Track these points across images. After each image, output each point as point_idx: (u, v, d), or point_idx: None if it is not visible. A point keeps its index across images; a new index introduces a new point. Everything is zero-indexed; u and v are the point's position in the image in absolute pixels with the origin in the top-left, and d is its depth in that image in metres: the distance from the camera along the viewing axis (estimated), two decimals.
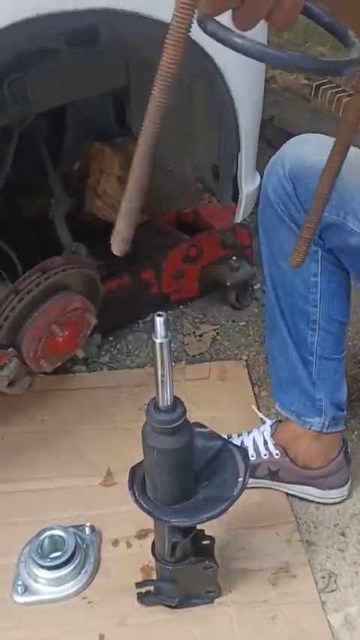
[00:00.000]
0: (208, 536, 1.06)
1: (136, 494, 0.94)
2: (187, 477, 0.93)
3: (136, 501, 0.94)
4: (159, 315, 0.80)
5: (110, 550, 1.18)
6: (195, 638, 1.06)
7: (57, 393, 1.48)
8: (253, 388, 1.52)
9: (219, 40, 0.52)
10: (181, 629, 1.06)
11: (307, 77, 2.47)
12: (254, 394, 1.50)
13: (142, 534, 1.20)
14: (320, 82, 2.31)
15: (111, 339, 1.63)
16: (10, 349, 1.24)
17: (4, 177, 1.38)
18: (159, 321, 0.80)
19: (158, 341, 0.81)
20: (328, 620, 1.09)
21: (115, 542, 1.19)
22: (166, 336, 0.81)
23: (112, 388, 1.48)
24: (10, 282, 1.27)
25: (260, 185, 1.16)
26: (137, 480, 0.96)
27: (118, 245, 0.60)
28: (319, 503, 1.28)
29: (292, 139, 1.11)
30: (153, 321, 0.81)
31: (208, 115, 1.38)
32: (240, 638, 1.02)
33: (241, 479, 0.88)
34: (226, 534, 1.19)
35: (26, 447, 1.35)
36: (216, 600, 1.09)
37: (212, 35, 0.52)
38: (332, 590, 1.14)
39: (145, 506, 0.93)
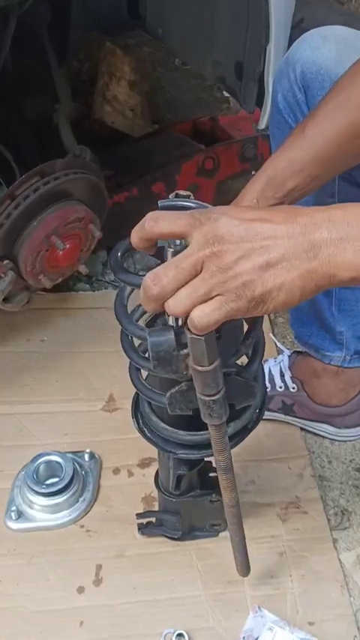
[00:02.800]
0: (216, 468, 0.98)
1: (140, 422, 0.85)
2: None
3: (140, 430, 0.86)
4: (170, 247, 0.67)
5: (111, 478, 1.11)
6: (198, 572, 1.00)
7: (58, 312, 1.38)
8: (269, 315, 1.41)
9: None
10: (184, 562, 1.01)
11: None
12: (270, 320, 1.40)
13: (144, 463, 1.13)
14: None
15: (112, 249, 1.51)
16: (6, 261, 1.13)
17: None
18: (170, 252, 0.67)
19: (172, 249, 0.69)
20: (339, 559, 1.03)
21: (116, 470, 1.12)
22: (180, 244, 0.69)
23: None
24: (6, 187, 1.15)
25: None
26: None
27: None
28: (333, 440, 1.20)
29: (307, 34, 0.94)
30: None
31: (234, 1, 1.20)
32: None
33: (255, 401, 0.78)
34: (235, 466, 1.09)
35: (24, 369, 1.27)
36: (221, 534, 1.03)
37: None
38: (345, 528, 1.08)
39: (149, 435, 0.84)
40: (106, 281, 1.47)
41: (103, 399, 1.23)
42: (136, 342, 0.78)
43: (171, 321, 0.76)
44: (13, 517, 1.02)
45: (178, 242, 0.63)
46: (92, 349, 1.31)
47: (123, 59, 1.80)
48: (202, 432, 0.78)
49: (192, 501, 0.97)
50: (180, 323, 0.67)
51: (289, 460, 1.15)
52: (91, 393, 1.24)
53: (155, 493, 1.02)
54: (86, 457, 1.11)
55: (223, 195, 1.59)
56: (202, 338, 0.62)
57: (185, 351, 0.66)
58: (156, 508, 1.05)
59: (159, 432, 0.82)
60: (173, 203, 0.69)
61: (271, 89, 1.25)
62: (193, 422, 0.77)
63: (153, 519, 1.02)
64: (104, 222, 1.29)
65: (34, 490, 1.03)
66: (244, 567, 0.93)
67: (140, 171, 1.52)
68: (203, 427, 0.77)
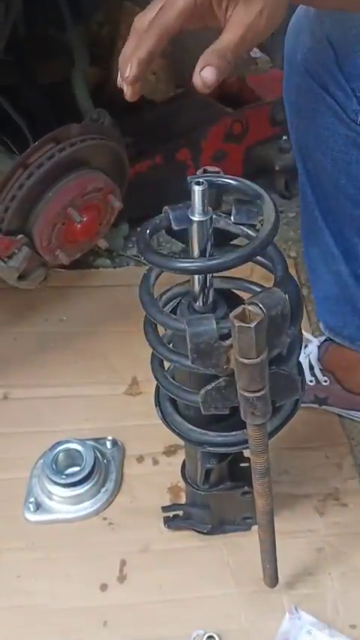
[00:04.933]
0: (248, 457, 0.90)
1: (164, 411, 0.78)
2: None
3: (164, 420, 0.78)
4: (198, 184, 0.59)
5: (134, 467, 1.04)
6: (229, 569, 0.93)
7: (77, 290, 1.30)
8: (301, 290, 1.31)
9: None
10: (213, 557, 0.94)
11: None
12: (303, 297, 1.30)
13: (170, 450, 1.06)
14: None
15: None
16: (20, 236, 1.05)
17: (9, 27, 1.13)
18: (198, 191, 0.59)
19: (196, 219, 0.61)
20: None
21: (140, 459, 1.05)
22: (206, 213, 0.61)
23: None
24: (18, 155, 1.06)
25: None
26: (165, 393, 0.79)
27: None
28: None
29: None
30: (190, 192, 0.61)
31: None
32: (281, 571, 0.89)
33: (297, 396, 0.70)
34: None
35: (42, 350, 1.20)
36: (253, 528, 0.96)
37: None
38: None
39: (173, 426, 0.77)
40: (127, 256, 1.39)
41: (126, 382, 1.16)
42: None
43: (199, 305, 0.68)
44: (32, 509, 0.96)
45: None
46: (114, 329, 1.23)
47: None
48: (235, 433, 0.71)
49: (222, 494, 0.90)
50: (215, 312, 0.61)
51: (327, 448, 1.07)
52: (113, 375, 1.17)
53: (182, 482, 0.94)
54: (108, 444, 1.04)
55: (253, 161, 1.49)
56: (252, 326, 0.55)
57: (228, 342, 0.59)
58: (183, 499, 0.98)
59: (184, 434, 0.74)
60: (208, 179, 0.61)
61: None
62: (223, 420, 0.69)
63: (180, 512, 0.95)
64: (125, 192, 1.20)
65: (53, 480, 0.96)
66: (273, 578, 0.86)
67: (163, 138, 1.43)
68: (235, 426, 0.70)
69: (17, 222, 1.04)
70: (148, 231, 0.65)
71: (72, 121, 1.10)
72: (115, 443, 1.05)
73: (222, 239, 0.70)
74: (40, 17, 1.34)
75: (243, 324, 0.56)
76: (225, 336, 0.61)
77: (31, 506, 0.96)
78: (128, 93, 0.65)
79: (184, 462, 0.90)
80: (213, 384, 0.64)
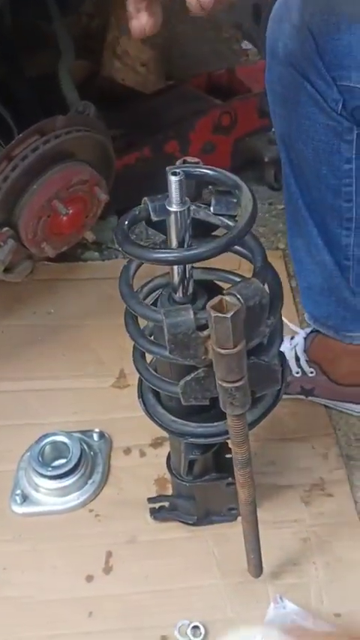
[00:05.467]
0: None
1: (147, 403, 0.78)
2: None
3: (146, 412, 0.78)
4: (174, 174, 0.59)
5: (121, 459, 1.04)
6: (215, 560, 0.93)
7: (65, 283, 1.30)
8: (290, 282, 1.32)
9: None
10: (199, 548, 0.94)
11: None
12: (291, 288, 1.30)
13: (157, 442, 1.06)
14: None
15: (118, 220, 1.43)
16: (5, 229, 1.05)
17: None
18: (174, 181, 0.59)
19: (174, 209, 0.61)
20: None
21: (127, 451, 1.06)
22: (183, 203, 0.61)
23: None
24: (3, 147, 1.06)
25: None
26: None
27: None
28: None
29: None
30: (167, 182, 0.60)
31: None
32: (266, 561, 0.89)
33: (278, 387, 0.71)
34: (254, 446, 1.02)
35: (29, 343, 1.20)
36: (239, 518, 0.96)
37: None
38: None
39: (155, 417, 0.77)
40: (116, 249, 1.39)
41: (114, 375, 1.16)
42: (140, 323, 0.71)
43: (178, 296, 0.68)
44: (18, 501, 0.96)
45: None
46: (102, 322, 1.23)
47: None
48: (216, 424, 0.71)
49: (207, 485, 0.90)
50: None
51: (313, 439, 1.07)
52: (100, 368, 1.17)
53: (169, 474, 0.95)
54: (95, 437, 1.04)
55: (242, 152, 1.48)
56: (228, 316, 0.55)
57: (205, 332, 0.59)
58: (170, 491, 0.98)
59: (166, 425, 0.74)
60: (185, 169, 0.61)
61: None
62: (205, 411, 0.69)
63: (166, 504, 0.96)
64: (113, 184, 1.20)
65: (39, 473, 0.97)
66: (258, 568, 0.86)
67: (152, 130, 1.42)
68: (217, 417, 0.70)
69: (2, 215, 1.04)
70: (126, 223, 0.64)
71: (60, 114, 1.09)
72: (102, 435, 1.05)
73: (203, 230, 0.70)
74: (27, 8, 1.33)
75: (219, 314, 0.56)
76: (203, 327, 0.61)
77: (17, 498, 0.97)
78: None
79: (169, 453, 0.91)
80: (192, 375, 0.64)
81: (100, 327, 1.23)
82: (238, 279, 0.74)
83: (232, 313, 0.56)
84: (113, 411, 1.10)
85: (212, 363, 0.62)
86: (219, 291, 0.74)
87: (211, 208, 0.68)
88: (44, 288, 1.28)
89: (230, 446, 0.70)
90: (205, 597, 0.89)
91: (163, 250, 0.63)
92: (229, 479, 0.89)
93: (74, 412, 1.10)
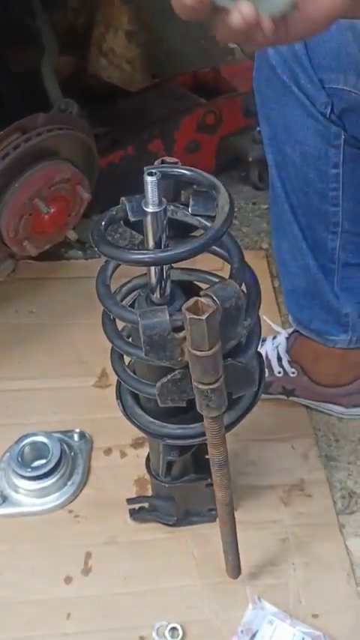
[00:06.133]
0: None
1: (125, 404, 0.77)
2: None
3: (124, 412, 0.78)
4: (150, 174, 0.59)
5: (102, 459, 1.04)
6: (194, 560, 0.93)
7: (48, 282, 1.29)
8: (272, 282, 1.32)
9: None
10: (179, 549, 0.94)
11: None
12: (273, 288, 1.30)
13: (138, 443, 1.06)
14: None
15: (95, 220, 1.42)
16: None
17: None
18: (150, 181, 0.59)
19: (150, 210, 0.61)
20: (346, 546, 0.95)
21: (108, 451, 1.05)
22: (159, 204, 0.61)
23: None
24: None
25: None
26: None
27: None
28: (341, 418, 1.12)
29: None
30: (144, 182, 0.60)
31: None
32: (245, 562, 0.89)
33: (255, 389, 0.70)
34: (234, 446, 1.04)
35: (11, 342, 1.20)
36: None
37: None
38: (352, 512, 1.00)
39: (133, 418, 0.76)
40: None
41: (95, 375, 1.15)
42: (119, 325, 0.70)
43: (156, 297, 0.68)
44: None
45: None
46: (84, 321, 1.22)
47: (120, 8, 1.67)
48: (194, 425, 0.71)
49: (186, 486, 0.90)
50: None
51: (293, 439, 1.07)
52: (82, 368, 1.16)
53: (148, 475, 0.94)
54: (75, 437, 1.04)
55: (227, 152, 1.48)
56: (203, 318, 0.54)
57: (181, 334, 0.59)
58: (150, 491, 0.98)
59: (144, 427, 0.74)
60: (162, 170, 0.60)
61: None
62: (183, 413, 0.69)
63: (146, 505, 0.95)
64: (96, 183, 1.19)
65: (18, 474, 0.96)
66: (236, 569, 0.86)
67: (137, 129, 1.42)
68: (195, 419, 0.70)
69: None
70: (103, 223, 0.64)
71: (44, 111, 1.08)
72: (82, 435, 1.05)
73: (181, 231, 0.70)
74: (11, 3, 1.32)
75: (194, 316, 0.56)
76: (179, 328, 0.61)
77: None
78: None
79: (148, 454, 0.91)
80: (168, 377, 0.64)
81: (82, 326, 1.22)
82: (216, 280, 0.74)
83: (207, 315, 0.56)
84: (94, 411, 1.10)
85: (188, 364, 0.62)
86: (197, 292, 0.74)
87: (189, 209, 0.67)
88: (27, 287, 1.28)
89: (208, 447, 0.70)
90: (183, 598, 0.89)
91: (139, 251, 0.63)
92: (208, 480, 0.89)
93: (55, 412, 1.10)
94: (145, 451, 1.00)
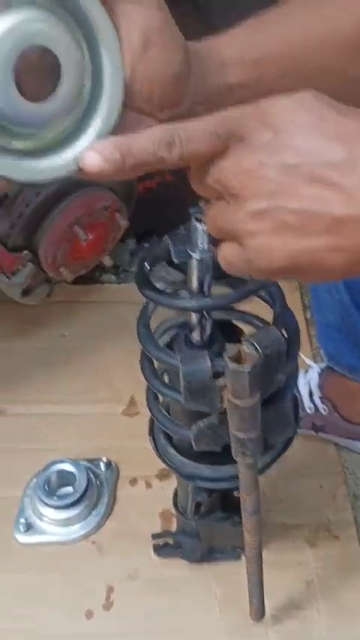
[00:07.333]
0: None
1: (157, 442, 0.77)
2: None
3: (156, 450, 0.77)
4: (198, 220, 0.59)
5: (127, 489, 1.04)
6: (216, 599, 0.92)
7: (81, 305, 1.30)
8: (304, 314, 1.31)
9: None
10: (201, 587, 0.93)
11: None
12: (306, 320, 1.29)
13: (164, 474, 1.05)
14: None
15: (147, 245, 1.43)
16: (25, 252, 1.06)
17: None
18: (200, 229, 0.59)
19: (196, 257, 0.60)
20: None
21: (134, 481, 1.05)
22: (206, 251, 0.60)
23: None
24: None
25: None
26: None
27: None
28: None
29: None
30: (191, 227, 0.60)
31: None
32: (268, 604, 0.88)
33: (291, 434, 0.70)
34: (262, 483, 1.03)
35: (42, 365, 1.20)
36: (243, 557, 0.95)
37: None
38: None
39: (165, 457, 0.76)
40: (133, 272, 1.39)
41: (125, 402, 1.15)
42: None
43: (195, 338, 0.68)
44: (22, 529, 0.96)
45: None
46: (116, 346, 1.23)
47: None
48: (227, 467, 0.70)
49: (213, 524, 0.89)
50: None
51: (322, 477, 1.06)
52: (112, 394, 1.16)
53: (175, 510, 0.94)
54: (102, 466, 1.03)
55: None
56: (246, 370, 0.54)
57: (222, 381, 0.58)
58: (174, 524, 0.97)
59: (177, 468, 0.74)
60: None
61: None
62: (216, 454, 0.68)
63: (170, 540, 0.94)
64: (133, 208, 1.20)
65: (44, 502, 0.96)
66: (259, 612, 0.85)
67: None
68: (228, 460, 0.69)
69: (23, 239, 1.05)
70: (146, 264, 0.64)
71: None
72: (109, 464, 1.04)
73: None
74: None
75: (237, 367, 0.56)
76: (220, 374, 0.60)
77: (21, 526, 0.96)
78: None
79: (176, 490, 0.90)
80: (205, 422, 0.64)
81: (114, 351, 1.22)
82: (256, 321, 0.73)
83: (250, 366, 0.56)
84: (122, 439, 1.09)
85: (226, 410, 0.61)
86: (237, 332, 0.74)
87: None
88: (60, 310, 1.28)
89: (240, 493, 0.69)
90: (204, 638, 0.88)
91: (183, 298, 0.63)
92: (236, 518, 0.88)
93: (82, 438, 1.10)
94: (170, 483, 1.00)
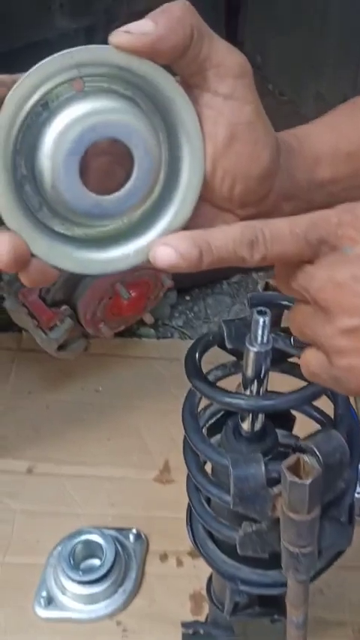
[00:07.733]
0: None
1: (196, 534, 0.71)
2: None
3: (194, 543, 0.71)
4: (260, 313, 0.54)
5: (157, 565, 0.97)
6: None
7: (117, 360, 1.25)
8: (356, 403, 1.24)
9: None
10: None
11: None
12: (354, 400, 1.22)
13: (195, 553, 0.98)
14: None
15: (187, 298, 1.39)
16: (64, 307, 1.02)
17: None
18: (260, 322, 0.54)
19: (254, 349, 0.55)
20: None
21: (164, 557, 0.98)
22: (266, 344, 0.55)
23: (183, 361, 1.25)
24: None
25: None
26: None
27: None
28: None
29: None
30: (252, 319, 0.55)
31: (346, 27, 1.06)
32: None
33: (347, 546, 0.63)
34: None
35: (74, 422, 1.15)
36: None
37: None
38: None
39: (204, 552, 0.70)
40: (172, 326, 1.34)
41: (158, 467, 1.09)
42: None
43: (245, 429, 0.62)
44: (43, 603, 0.90)
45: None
46: (152, 405, 1.17)
47: None
48: (272, 573, 0.63)
49: (249, 619, 0.82)
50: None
51: None
52: (144, 457, 1.11)
53: (208, 599, 0.87)
54: (131, 537, 0.97)
55: None
56: (307, 483, 0.48)
57: (276, 489, 0.53)
58: (205, 609, 0.91)
59: (217, 566, 0.67)
60: (270, 298, 0.55)
61: None
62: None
63: (201, 630, 0.87)
64: None
65: (68, 576, 0.90)
66: None
67: None
68: (274, 564, 0.63)
69: (63, 295, 1.01)
70: (198, 352, 0.59)
71: None
72: (138, 536, 0.98)
73: (279, 356, 0.64)
74: None
75: (296, 480, 0.50)
76: (275, 481, 0.55)
77: (42, 600, 0.90)
78: None
79: (211, 575, 0.83)
80: (254, 527, 0.58)
81: (149, 411, 1.17)
82: (313, 412, 0.68)
83: (310, 480, 0.50)
84: (153, 508, 1.04)
85: (278, 519, 0.55)
86: (290, 420, 0.68)
87: (292, 340, 0.62)
88: (95, 363, 1.24)
89: (287, 605, 0.63)
90: None
91: (237, 395, 0.58)
92: (274, 615, 0.81)
93: (112, 504, 1.04)
94: (203, 563, 0.93)
